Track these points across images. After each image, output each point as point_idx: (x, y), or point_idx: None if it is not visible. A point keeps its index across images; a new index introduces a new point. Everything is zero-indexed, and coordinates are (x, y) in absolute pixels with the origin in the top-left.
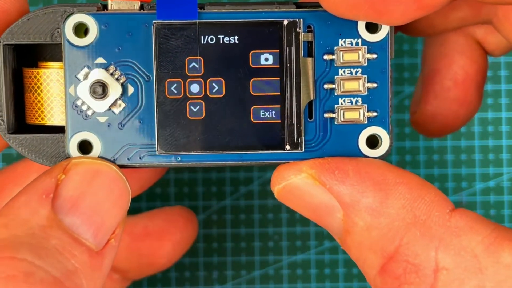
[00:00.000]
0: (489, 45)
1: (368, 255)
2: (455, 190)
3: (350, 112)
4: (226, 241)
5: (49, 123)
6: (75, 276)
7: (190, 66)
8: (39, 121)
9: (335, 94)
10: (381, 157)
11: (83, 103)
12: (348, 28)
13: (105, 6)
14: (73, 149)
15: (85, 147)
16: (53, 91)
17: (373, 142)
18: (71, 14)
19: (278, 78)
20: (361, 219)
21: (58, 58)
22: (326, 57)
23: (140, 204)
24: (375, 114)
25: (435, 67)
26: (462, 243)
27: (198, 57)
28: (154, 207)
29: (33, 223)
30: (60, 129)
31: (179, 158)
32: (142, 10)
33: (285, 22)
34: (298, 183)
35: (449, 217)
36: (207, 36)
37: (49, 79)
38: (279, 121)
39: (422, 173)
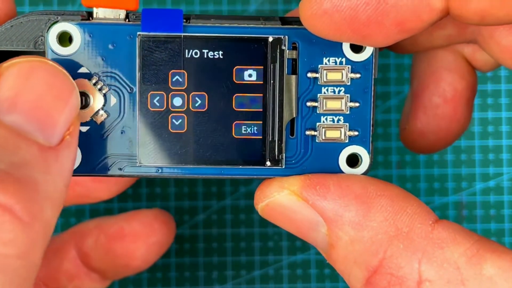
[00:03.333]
0: (477, 62)
1: (353, 268)
2: (455, 190)
3: (331, 130)
4: (226, 241)
5: None
6: (25, 168)
7: (174, 79)
8: None
9: (318, 112)
10: None
11: None
12: (332, 47)
13: (90, 14)
14: None
15: None
16: None
17: (353, 160)
18: (56, 22)
19: (261, 95)
20: (345, 233)
21: None
22: (310, 75)
23: (140, 204)
24: (356, 133)
25: (424, 83)
26: (445, 255)
27: (182, 70)
28: (154, 207)
29: None
30: None
31: (160, 170)
32: (127, 20)
33: (270, 39)
34: (281, 200)
35: (432, 229)
36: (191, 50)
37: None
38: (261, 137)
39: (422, 173)
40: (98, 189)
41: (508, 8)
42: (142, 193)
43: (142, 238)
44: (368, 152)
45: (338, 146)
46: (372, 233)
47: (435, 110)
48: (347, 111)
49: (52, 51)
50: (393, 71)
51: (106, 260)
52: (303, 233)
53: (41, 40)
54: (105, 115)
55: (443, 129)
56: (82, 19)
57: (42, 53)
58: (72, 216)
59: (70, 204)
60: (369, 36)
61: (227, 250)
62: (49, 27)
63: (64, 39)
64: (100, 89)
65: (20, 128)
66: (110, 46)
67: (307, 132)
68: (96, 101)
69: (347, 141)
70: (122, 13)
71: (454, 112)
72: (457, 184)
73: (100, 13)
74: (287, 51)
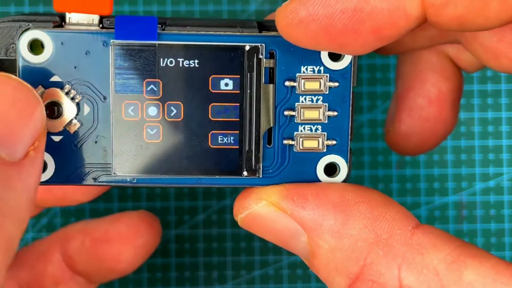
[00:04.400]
0: (462, 62)
1: (335, 276)
2: (455, 190)
3: (309, 140)
4: (226, 241)
5: None
6: None
7: (148, 89)
8: None
9: (295, 121)
10: None
11: None
12: (310, 55)
13: (63, 19)
14: None
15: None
16: None
17: (331, 170)
18: (27, 29)
19: (238, 104)
20: (325, 242)
21: (13, 74)
22: (287, 83)
23: (140, 204)
24: (334, 142)
25: (409, 85)
26: (425, 261)
27: (157, 79)
28: (154, 207)
29: None
30: None
31: (135, 180)
32: (101, 25)
33: (247, 47)
34: (260, 211)
35: (411, 234)
36: (166, 59)
37: None
38: (237, 147)
39: (422, 173)
40: (76, 192)
41: (485, 14)
42: (142, 193)
43: (128, 240)
44: (346, 161)
45: (316, 155)
46: (352, 241)
47: (419, 111)
48: (325, 120)
49: (23, 59)
50: (393, 71)
51: (91, 263)
52: (284, 242)
53: (12, 47)
54: (78, 125)
55: (428, 131)
56: (54, 26)
57: (13, 61)
58: (72, 216)
59: (51, 205)
60: (346, 44)
61: (227, 250)
62: (20, 35)
63: (36, 46)
64: (72, 98)
65: None
66: (82, 54)
67: (285, 142)
68: (69, 110)
69: (325, 150)
70: (95, 18)
71: (439, 113)
72: (457, 184)
73: (73, 18)
74: (264, 60)
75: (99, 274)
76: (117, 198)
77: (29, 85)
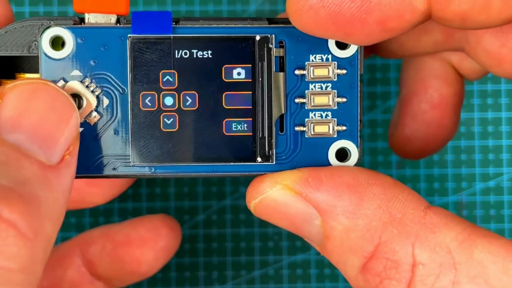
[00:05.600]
0: (465, 70)
1: (349, 256)
2: (455, 190)
3: (320, 126)
4: (226, 241)
5: None
6: (28, 185)
7: (164, 80)
8: None
9: (306, 108)
10: None
11: None
12: (318, 44)
13: (82, 20)
14: None
15: None
16: None
17: (342, 155)
18: (48, 27)
19: (250, 92)
20: (339, 223)
21: (36, 70)
22: (297, 72)
23: (141, 204)
24: (344, 128)
25: (412, 90)
26: (437, 239)
27: (172, 70)
28: (154, 207)
29: None
30: None
31: (153, 169)
32: (118, 24)
33: (258, 37)
34: (274, 195)
35: (424, 214)
36: (181, 51)
37: None
38: (251, 134)
39: (422, 173)
40: (93, 193)
41: (488, 12)
42: (142, 193)
43: (149, 243)
44: (357, 146)
45: (327, 140)
46: (366, 221)
47: (422, 116)
48: (334, 106)
49: (45, 55)
50: (393, 71)
51: (112, 267)
52: (298, 227)
53: (35, 44)
54: (98, 116)
55: (430, 135)
56: (74, 24)
57: (36, 58)
58: (72, 216)
59: (68, 209)
60: (352, 33)
61: (227, 250)
62: (42, 32)
63: (57, 43)
64: (92, 91)
65: (22, 146)
66: (101, 49)
67: (296, 128)
68: (89, 102)
69: (335, 135)
70: (113, 18)
71: (442, 118)
72: (457, 184)
73: (91, 18)
74: (274, 49)
75: (119, 277)
76: (118, 199)
77: (65, 93)
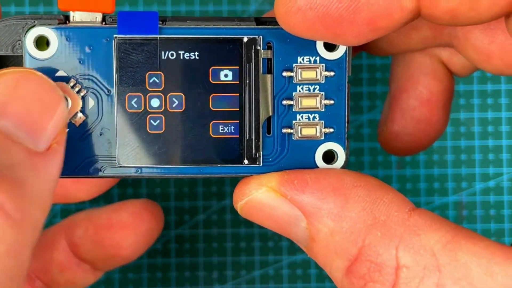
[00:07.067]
0: (454, 66)
1: (334, 259)
2: (455, 190)
3: (307, 128)
4: (226, 241)
5: None
6: (15, 169)
7: (151, 81)
8: None
9: (293, 110)
10: None
11: None
12: (306, 46)
13: (67, 18)
14: None
15: None
16: None
17: (329, 157)
18: (32, 26)
19: (238, 94)
20: (324, 225)
21: None
22: (285, 73)
23: None
24: (331, 130)
25: (402, 86)
26: (421, 242)
27: (159, 72)
28: None
29: None
30: None
31: (139, 171)
32: (104, 23)
33: (245, 39)
34: (260, 197)
35: (408, 216)
36: (167, 52)
37: None
38: (238, 136)
39: (422, 173)
40: (78, 190)
41: (477, 8)
42: (142, 193)
43: (130, 227)
44: (344, 148)
45: (314, 143)
46: (350, 223)
47: (412, 112)
48: (322, 108)
49: (30, 55)
50: None
51: (95, 250)
52: (284, 229)
53: (19, 44)
54: (83, 117)
55: (419, 132)
56: (59, 23)
57: (20, 57)
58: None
59: (53, 202)
60: (341, 34)
61: (227, 250)
62: (26, 32)
63: (42, 43)
64: (78, 92)
65: (9, 132)
66: (87, 49)
67: (284, 130)
68: (74, 103)
69: (322, 138)
70: (98, 16)
71: (431, 114)
72: (457, 184)
73: (76, 16)
74: (262, 51)
75: (102, 260)
76: (118, 199)
77: (52, 82)
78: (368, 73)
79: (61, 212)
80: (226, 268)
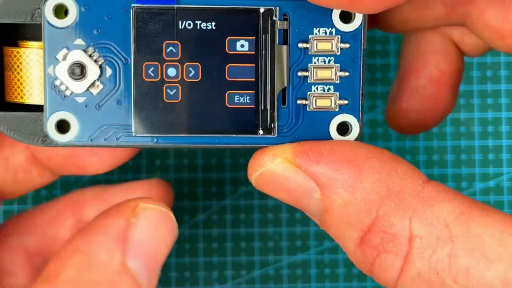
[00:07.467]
0: (465, 46)
1: (347, 230)
2: (455, 190)
3: (322, 99)
4: (226, 241)
5: (28, 101)
6: None
7: (168, 50)
8: (19, 99)
9: (308, 81)
10: None
11: (61, 83)
12: (322, 17)
13: None
14: (51, 128)
15: (63, 126)
16: (33, 71)
17: (343, 129)
18: None
19: (253, 65)
20: (338, 196)
21: (39, 38)
22: (300, 45)
23: None
24: (346, 102)
25: (411, 65)
26: (434, 213)
27: (176, 41)
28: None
29: (110, 268)
30: (39, 108)
31: (155, 140)
32: None
33: (262, 10)
34: (275, 168)
35: (422, 188)
36: (184, 21)
37: (29, 59)
38: (253, 106)
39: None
40: (94, 162)
41: None
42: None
43: None
44: (358, 120)
45: (328, 114)
46: (364, 194)
47: (421, 90)
48: (337, 80)
49: (49, 23)
50: (393, 72)
51: None
52: (297, 200)
53: (38, 12)
54: (101, 86)
55: (427, 110)
56: None
57: (38, 26)
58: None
59: (68, 174)
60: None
61: (227, 250)
62: (46, 0)
63: (60, 11)
64: (95, 61)
65: (138, 276)
66: (105, 18)
67: (299, 101)
68: (92, 72)
69: (337, 109)
70: None
71: (439, 93)
72: (457, 184)
73: None
74: (278, 21)
75: None
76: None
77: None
78: (367, 72)
79: (61, 185)
80: (226, 268)
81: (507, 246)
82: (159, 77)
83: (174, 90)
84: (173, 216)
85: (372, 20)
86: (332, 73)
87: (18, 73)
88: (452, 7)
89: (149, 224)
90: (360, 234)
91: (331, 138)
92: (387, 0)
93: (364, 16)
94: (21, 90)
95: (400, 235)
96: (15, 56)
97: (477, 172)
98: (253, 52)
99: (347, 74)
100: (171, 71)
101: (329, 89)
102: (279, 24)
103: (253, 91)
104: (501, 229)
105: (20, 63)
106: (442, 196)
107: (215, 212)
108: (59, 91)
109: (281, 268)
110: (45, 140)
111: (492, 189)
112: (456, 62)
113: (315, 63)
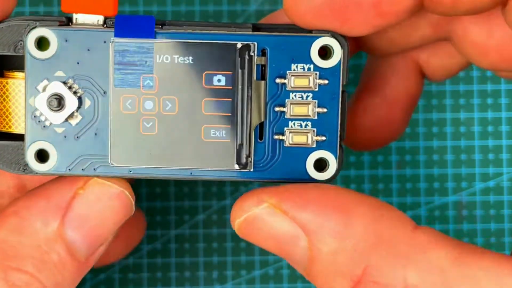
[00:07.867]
0: (430, 68)
1: (336, 280)
2: (455, 190)
3: (298, 135)
4: (226, 241)
5: (16, 131)
6: (61, 286)
7: (145, 84)
8: (7, 128)
9: (285, 117)
10: (328, 180)
11: (41, 114)
12: (301, 53)
13: (69, 19)
14: (30, 158)
15: (42, 156)
16: (18, 100)
17: (321, 165)
18: (34, 28)
19: (230, 99)
20: (326, 244)
21: (23, 68)
22: (278, 80)
23: (140, 204)
24: (323, 138)
25: (370, 83)
26: (428, 259)
27: (153, 75)
28: (154, 207)
29: (41, 235)
30: (22, 137)
31: (131, 171)
32: (105, 25)
33: (239, 45)
34: (260, 214)
35: (413, 234)
36: (162, 56)
37: (15, 88)
38: (229, 140)
39: (422, 173)
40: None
41: None
42: (142, 193)
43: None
44: (336, 157)
45: (305, 150)
46: (354, 242)
47: (374, 109)
48: (314, 116)
49: (31, 55)
50: None
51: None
52: (282, 248)
53: (21, 44)
54: (80, 117)
55: (379, 128)
56: (60, 25)
57: (21, 57)
58: None
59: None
60: (349, 20)
61: (227, 250)
62: (28, 32)
63: (43, 43)
64: (75, 92)
65: (74, 246)
66: (85, 51)
67: (275, 136)
68: (70, 103)
69: (314, 145)
70: (100, 19)
71: (392, 114)
72: (457, 184)
73: (79, 18)
74: (256, 57)
75: None
76: None
77: (132, 200)
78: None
79: None
80: (226, 268)
81: (504, 286)
82: (136, 109)
83: (151, 123)
84: (128, 195)
85: (358, 43)
86: (308, 110)
87: (5, 102)
88: (438, 26)
89: (95, 198)
90: (350, 285)
91: (308, 174)
92: (375, 19)
93: (343, 51)
94: (9, 120)
95: (393, 285)
96: (1, 86)
97: (477, 172)
98: (230, 87)
99: (325, 110)
100: (148, 104)
101: (306, 125)
102: (257, 60)
103: (230, 126)
104: (497, 270)
105: (6, 92)
106: (434, 242)
107: (215, 212)
108: (39, 121)
109: (281, 268)
110: (26, 168)
111: (492, 189)
112: (414, 87)
113: (292, 98)
